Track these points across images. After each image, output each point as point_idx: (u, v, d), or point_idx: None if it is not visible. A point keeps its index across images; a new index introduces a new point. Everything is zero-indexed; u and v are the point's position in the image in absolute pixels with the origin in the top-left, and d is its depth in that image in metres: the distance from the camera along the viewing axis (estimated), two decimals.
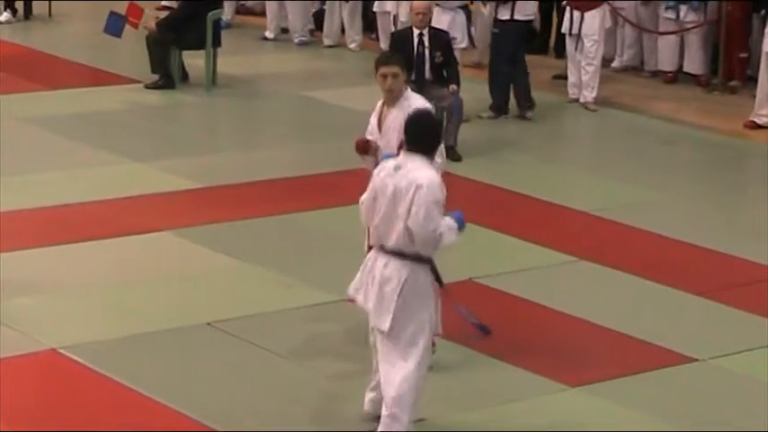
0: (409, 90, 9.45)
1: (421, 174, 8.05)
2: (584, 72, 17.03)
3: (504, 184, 13.78)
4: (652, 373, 9.81)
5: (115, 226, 12.12)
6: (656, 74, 18.41)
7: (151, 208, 12.75)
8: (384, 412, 8.16)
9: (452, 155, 14.03)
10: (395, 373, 8.10)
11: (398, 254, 8.08)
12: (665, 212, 13.15)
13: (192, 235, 12.02)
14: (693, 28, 17.99)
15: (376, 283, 8.13)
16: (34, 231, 11.97)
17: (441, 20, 15.86)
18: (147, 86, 17.16)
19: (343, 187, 12.73)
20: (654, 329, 10.41)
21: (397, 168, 8.15)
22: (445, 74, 14.76)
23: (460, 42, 16.34)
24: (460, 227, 8.20)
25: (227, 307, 10.59)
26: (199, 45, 17.20)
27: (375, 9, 19.37)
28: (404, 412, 8.09)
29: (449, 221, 8.10)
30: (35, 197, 12.61)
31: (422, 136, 8.23)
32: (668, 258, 12.06)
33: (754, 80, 16.63)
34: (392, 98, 9.33)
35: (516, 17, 15.88)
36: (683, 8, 17.86)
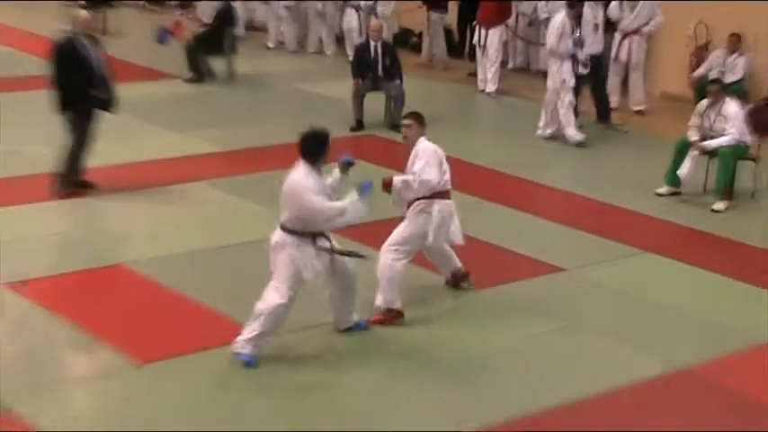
0: (423, 138, 8.88)
1: (293, 175, 8.01)
2: (488, 71, 17.10)
3: None
4: (533, 279, 9.81)
5: (165, 177, 12.12)
6: (537, 72, 18.48)
7: (190, 165, 12.76)
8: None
9: (396, 128, 14.10)
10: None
11: (282, 227, 8.04)
12: (546, 167, 13.19)
13: (221, 184, 12.02)
14: None
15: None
16: (111, 181, 11.91)
17: None
18: (184, 81, 17.16)
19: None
20: (534, 248, 10.44)
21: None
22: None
23: None
24: (362, 193, 8.00)
25: (251, 233, 10.40)
26: (221, 52, 17.21)
27: (344, 26, 19.40)
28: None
29: (343, 202, 7.94)
30: (109, 158, 12.61)
31: (305, 148, 8.07)
32: (542, 197, 12.14)
33: None
34: (407, 143, 8.93)
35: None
36: None
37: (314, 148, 8.06)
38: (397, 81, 14.83)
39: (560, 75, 14.42)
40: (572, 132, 14.32)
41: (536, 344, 8.56)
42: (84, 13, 11.66)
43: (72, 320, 8.57)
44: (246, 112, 15.74)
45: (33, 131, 13.52)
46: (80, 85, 11.20)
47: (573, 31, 14.32)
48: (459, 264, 9.35)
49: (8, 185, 11.74)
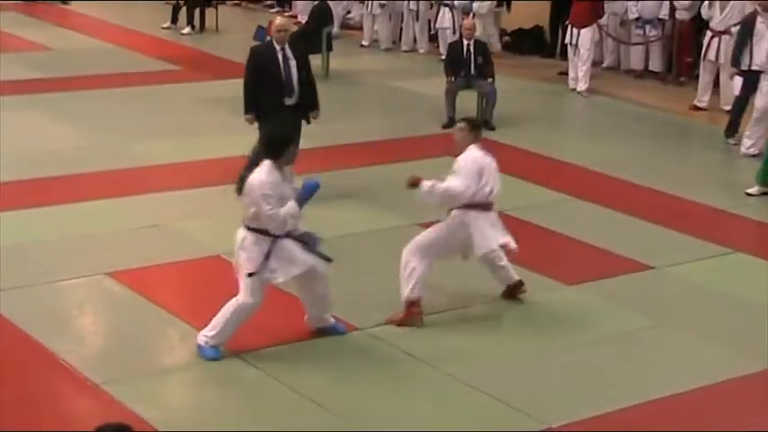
0: (473, 147, 8.59)
1: (253, 175, 7.91)
2: (579, 70, 16.98)
3: (523, 145, 13.78)
4: (622, 276, 9.70)
5: None
6: (629, 72, 18.32)
7: None
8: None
9: (489, 126, 14.13)
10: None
11: (245, 225, 7.97)
12: (635, 165, 13.06)
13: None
14: (655, 41, 17.90)
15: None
16: (210, 174, 11.99)
17: None
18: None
19: (418, 148, 12.81)
20: (624, 246, 10.34)
21: None
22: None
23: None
24: (307, 195, 7.92)
25: (343, 228, 10.55)
26: (317, 50, 17.26)
27: (437, 25, 19.39)
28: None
29: (288, 206, 7.78)
30: (208, 152, 12.75)
31: (267, 147, 8.06)
32: (632, 195, 12.04)
33: (697, 77, 16.52)
34: (456, 147, 8.69)
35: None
36: (648, 26, 17.80)
37: (274, 147, 7.95)
38: (490, 79, 14.80)
39: None
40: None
41: (624, 341, 8.47)
42: (279, 18, 11.60)
43: (170, 310, 8.68)
44: (340, 108, 15.77)
45: (132, 126, 13.73)
46: (268, 92, 11.12)
47: None
48: (514, 277, 9.00)
49: (109, 178, 11.92)
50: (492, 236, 8.63)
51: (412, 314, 8.56)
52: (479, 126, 8.89)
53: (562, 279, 9.50)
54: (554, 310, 8.98)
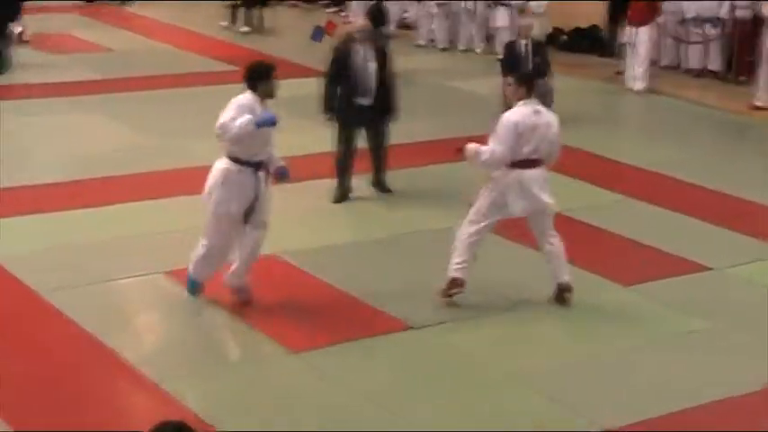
0: (521, 102, 8.56)
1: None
2: (637, 69, 16.86)
3: (579, 145, 13.66)
4: (679, 278, 9.61)
5: (317, 171, 12.06)
6: (687, 71, 18.16)
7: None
8: None
9: None
10: None
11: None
12: (694, 166, 12.94)
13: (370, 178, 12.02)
14: (714, 39, 17.72)
15: None
16: None
17: None
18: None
19: None
20: (681, 247, 10.23)
21: None
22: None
23: None
24: (261, 122, 8.30)
25: (399, 227, 10.57)
26: None
27: (494, 25, 19.36)
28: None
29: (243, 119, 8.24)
30: None
31: (247, 75, 8.47)
32: (690, 196, 11.92)
33: (756, 76, 16.35)
34: (507, 103, 8.78)
35: None
36: (707, 25, 17.65)
37: (254, 74, 8.38)
38: (546, 79, 14.70)
39: None
40: None
41: (682, 343, 8.39)
42: (361, 20, 11.65)
43: (226, 308, 8.72)
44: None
45: (189, 127, 13.81)
46: (344, 92, 11.24)
47: None
48: (565, 278, 8.85)
49: (167, 177, 12.00)
50: (522, 198, 8.58)
51: (447, 289, 8.69)
52: (527, 80, 8.74)
53: (619, 280, 9.43)
54: (611, 312, 8.92)
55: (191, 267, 8.77)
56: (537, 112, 8.58)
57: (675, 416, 7.27)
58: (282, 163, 8.81)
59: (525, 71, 8.63)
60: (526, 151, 8.50)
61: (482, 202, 8.69)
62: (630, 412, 7.29)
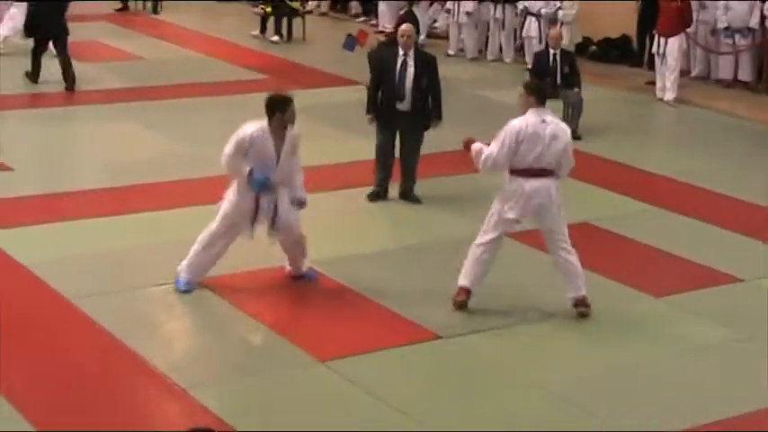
0: (530, 111, 8.52)
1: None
2: (667, 79, 16.79)
3: (609, 155, 13.66)
4: (710, 289, 9.56)
5: (349, 180, 12.15)
6: (718, 81, 18.07)
7: (364, 168, 12.52)
8: None
9: (575, 135, 13.96)
10: None
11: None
12: (724, 176, 12.86)
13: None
14: (744, 50, 17.64)
15: None
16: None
17: None
18: (366, 87, 17.24)
19: None
20: (711, 258, 10.17)
21: None
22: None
23: None
24: (254, 182, 8.70)
25: (427, 235, 10.60)
26: None
27: (523, 35, 19.32)
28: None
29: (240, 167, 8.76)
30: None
31: (266, 104, 8.83)
32: (721, 206, 11.85)
33: None
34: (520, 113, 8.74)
35: None
36: (737, 36, 17.57)
37: (270, 105, 8.70)
38: (576, 89, 14.69)
39: None
40: None
41: (714, 354, 8.34)
42: (405, 25, 11.65)
43: (256, 316, 8.73)
44: None
45: (221, 135, 13.79)
46: (383, 96, 11.42)
47: None
48: (581, 292, 8.75)
49: (199, 185, 12.01)
50: (507, 207, 8.60)
51: (455, 297, 8.75)
52: (537, 90, 8.71)
53: (649, 291, 9.39)
54: (641, 323, 8.88)
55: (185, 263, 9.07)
56: (544, 122, 8.55)
57: (708, 427, 7.24)
58: (302, 194, 8.96)
59: (535, 81, 8.65)
60: (530, 159, 8.49)
61: (490, 212, 8.76)
62: (663, 424, 7.25)
